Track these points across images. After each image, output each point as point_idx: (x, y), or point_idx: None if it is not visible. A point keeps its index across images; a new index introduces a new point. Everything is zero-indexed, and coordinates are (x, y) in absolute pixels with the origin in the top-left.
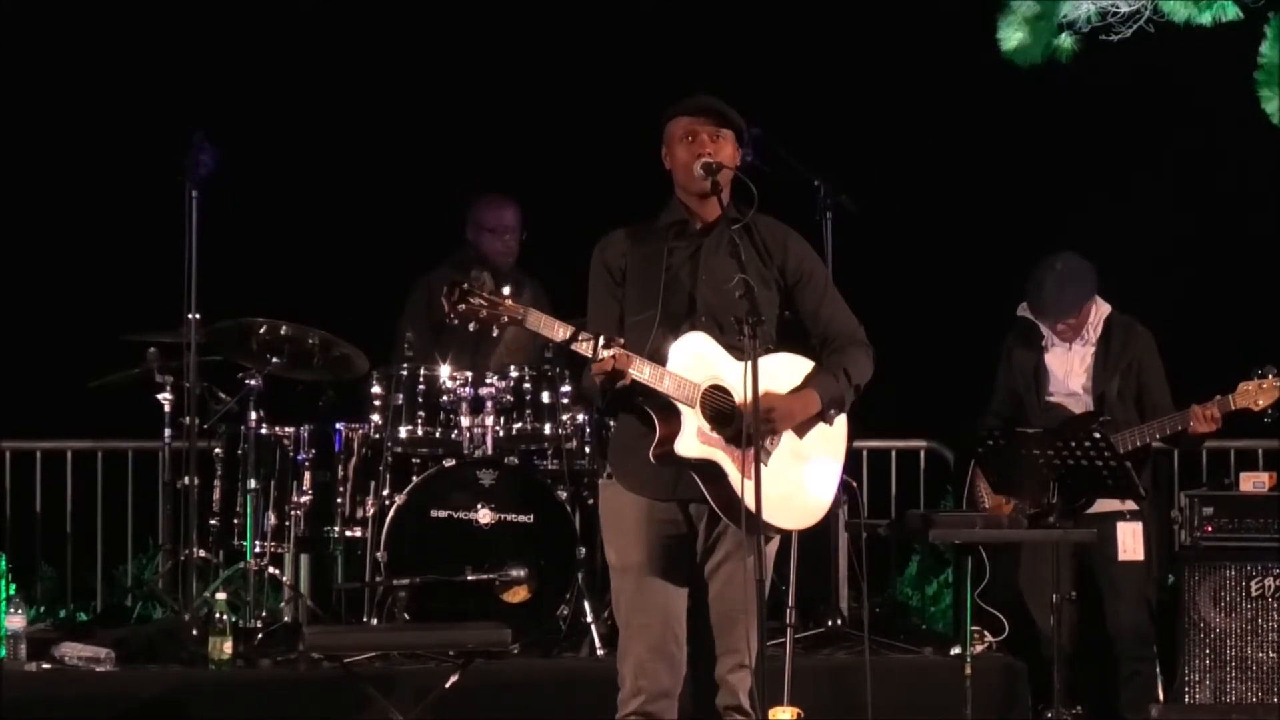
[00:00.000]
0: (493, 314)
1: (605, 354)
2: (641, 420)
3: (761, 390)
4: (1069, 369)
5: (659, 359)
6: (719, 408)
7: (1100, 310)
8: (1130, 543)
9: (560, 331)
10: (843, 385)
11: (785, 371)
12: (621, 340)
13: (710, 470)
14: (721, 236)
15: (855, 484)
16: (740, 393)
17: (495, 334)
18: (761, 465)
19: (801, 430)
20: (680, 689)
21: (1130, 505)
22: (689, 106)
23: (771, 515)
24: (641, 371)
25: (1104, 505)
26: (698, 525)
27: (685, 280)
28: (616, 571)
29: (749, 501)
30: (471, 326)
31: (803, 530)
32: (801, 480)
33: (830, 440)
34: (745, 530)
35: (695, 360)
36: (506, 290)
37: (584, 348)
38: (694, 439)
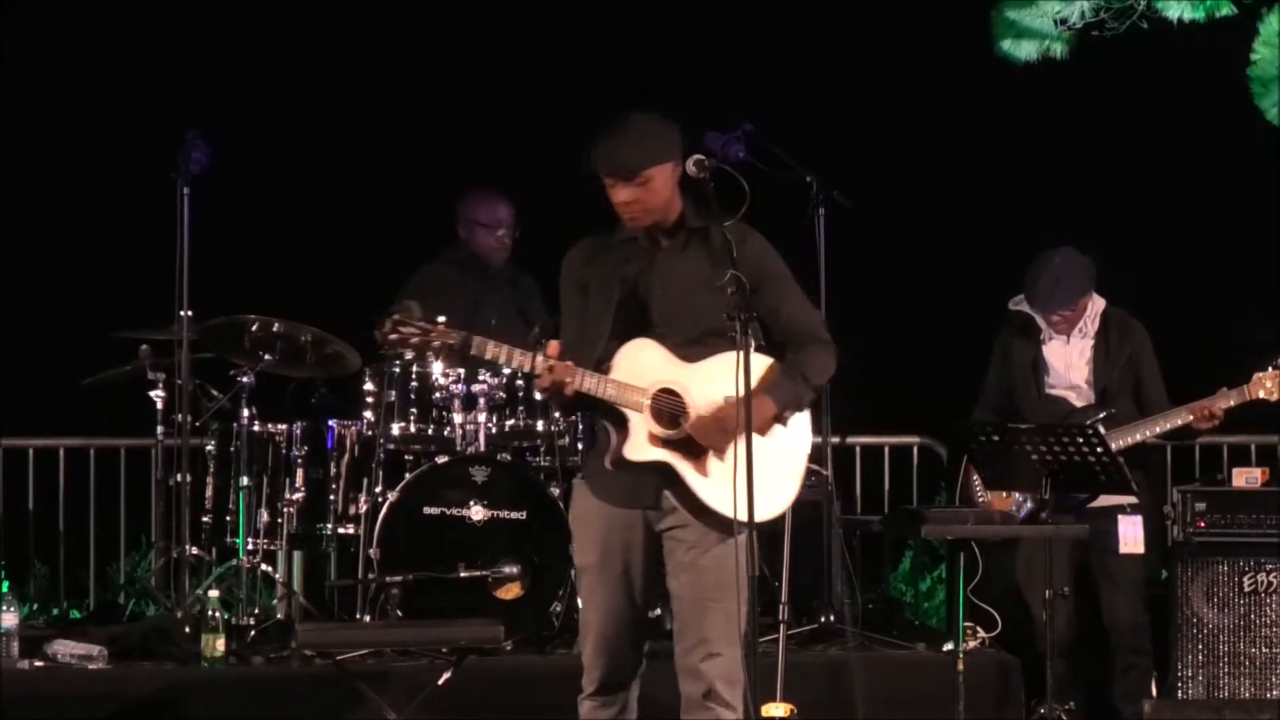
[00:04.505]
0: (424, 341)
1: (541, 367)
2: (602, 429)
3: (712, 393)
4: (1069, 362)
5: (607, 368)
6: (669, 411)
7: (1096, 305)
8: (1132, 536)
9: (492, 352)
10: (800, 388)
11: (731, 373)
12: (554, 353)
13: (665, 472)
14: (678, 242)
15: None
16: (690, 395)
17: (494, 322)
18: (720, 461)
19: (761, 430)
20: (635, 682)
21: (1131, 499)
22: (591, 162)
23: (728, 508)
24: (583, 382)
25: (1105, 499)
26: (656, 528)
27: (641, 292)
28: (576, 569)
29: (708, 499)
30: (408, 355)
31: (765, 523)
32: (762, 474)
33: (790, 434)
34: (735, 527)
35: (640, 366)
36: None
37: (526, 365)
38: (643, 443)
